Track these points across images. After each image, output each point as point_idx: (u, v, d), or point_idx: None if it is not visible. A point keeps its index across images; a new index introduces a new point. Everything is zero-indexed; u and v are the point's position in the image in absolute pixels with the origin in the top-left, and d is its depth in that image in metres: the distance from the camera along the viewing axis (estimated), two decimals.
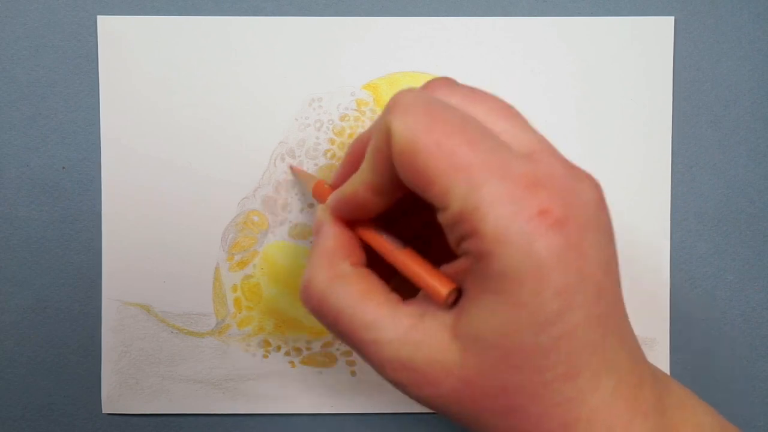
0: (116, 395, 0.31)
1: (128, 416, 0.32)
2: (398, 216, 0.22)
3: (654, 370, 0.21)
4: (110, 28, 0.31)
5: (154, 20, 0.31)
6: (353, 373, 0.32)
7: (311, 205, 0.31)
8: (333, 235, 0.22)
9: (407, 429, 0.32)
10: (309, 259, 0.23)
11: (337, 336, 0.21)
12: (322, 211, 0.23)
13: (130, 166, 0.31)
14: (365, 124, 0.31)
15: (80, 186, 0.31)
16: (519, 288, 0.17)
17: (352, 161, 0.24)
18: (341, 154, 0.31)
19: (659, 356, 0.32)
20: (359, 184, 0.21)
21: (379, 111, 0.31)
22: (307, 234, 0.31)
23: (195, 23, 0.31)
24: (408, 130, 0.19)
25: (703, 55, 0.32)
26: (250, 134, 0.31)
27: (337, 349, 0.32)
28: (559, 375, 0.18)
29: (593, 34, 0.31)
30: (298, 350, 0.32)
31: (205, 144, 0.31)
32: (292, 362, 0.32)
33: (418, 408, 0.31)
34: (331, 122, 0.31)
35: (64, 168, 0.31)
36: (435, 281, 0.20)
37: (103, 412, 0.32)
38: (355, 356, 0.32)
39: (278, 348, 0.32)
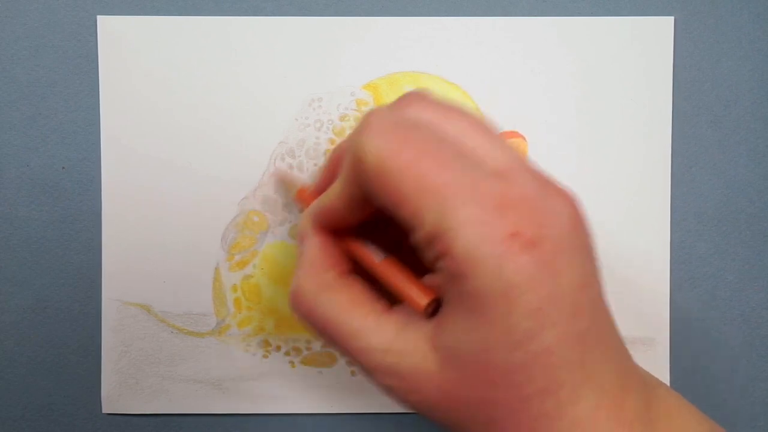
0: (116, 395, 0.31)
1: (128, 416, 0.32)
2: (383, 220, 0.22)
3: (643, 377, 0.21)
4: (110, 28, 0.31)
5: (154, 20, 0.31)
6: (353, 373, 0.32)
7: None
8: (316, 246, 0.23)
9: (407, 429, 0.32)
10: (296, 268, 0.23)
11: (326, 343, 0.22)
12: (304, 220, 0.24)
13: (130, 166, 0.31)
14: None
15: (80, 186, 0.31)
16: (491, 308, 0.18)
17: (332, 169, 0.24)
18: None
19: (659, 356, 0.32)
20: (335, 197, 0.21)
21: None
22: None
23: (195, 23, 0.31)
24: (378, 152, 0.19)
25: (703, 55, 0.32)
26: (250, 134, 0.31)
27: None
28: (537, 391, 0.18)
29: (593, 34, 0.31)
30: (298, 350, 0.32)
31: (205, 144, 0.31)
32: (292, 362, 0.32)
33: None
34: (331, 122, 0.31)
35: (64, 168, 0.31)
36: (414, 292, 0.20)
37: (103, 412, 0.32)
38: None
39: (278, 348, 0.32)
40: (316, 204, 0.23)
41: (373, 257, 0.22)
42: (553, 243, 0.18)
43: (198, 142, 0.31)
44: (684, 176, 0.32)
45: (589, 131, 0.32)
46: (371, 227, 0.23)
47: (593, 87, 0.32)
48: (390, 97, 0.31)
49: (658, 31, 0.32)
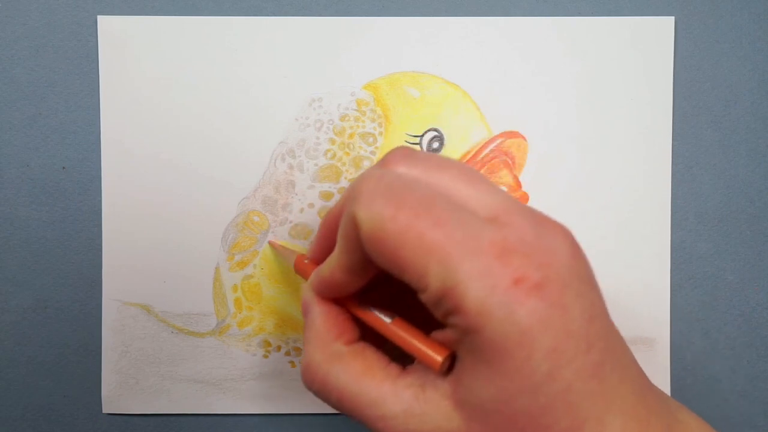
0: (116, 395, 0.31)
1: (128, 416, 0.32)
2: (383, 280, 0.22)
3: (661, 397, 0.21)
4: (110, 28, 0.31)
5: (154, 20, 0.31)
6: None
7: (311, 205, 0.31)
8: (322, 316, 0.23)
9: None
10: (304, 342, 0.23)
11: (345, 413, 0.22)
12: (306, 291, 0.24)
13: (130, 166, 0.31)
14: (365, 124, 0.31)
15: (80, 186, 0.31)
16: (509, 356, 0.18)
17: (326, 236, 0.24)
18: (341, 154, 0.31)
19: (659, 356, 0.32)
20: (334, 266, 0.21)
21: (379, 111, 0.31)
22: (307, 234, 0.31)
23: (195, 23, 0.31)
24: (374, 218, 0.19)
25: (703, 55, 0.32)
26: (250, 134, 0.31)
27: None
28: (564, 428, 0.18)
29: (593, 34, 0.31)
30: (299, 350, 0.32)
31: (205, 144, 0.31)
32: (292, 362, 0.32)
33: None
34: (331, 122, 0.31)
35: (64, 168, 0.31)
36: (428, 350, 0.20)
37: (103, 412, 0.32)
38: None
39: (278, 348, 0.32)
40: (315, 275, 0.23)
41: (382, 320, 0.22)
42: (558, 281, 0.18)
43: (198, 142, 0.31)
44: (684, 176, 0.32)
45: (590, 131, 0.32)
46: (374, 283, 0.22)
47: (593, 87, 0.32)
48: (390, 97, 0.31)
49: (658, 31, 0.32)
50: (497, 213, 0.19)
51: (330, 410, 0.32)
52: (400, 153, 0.21)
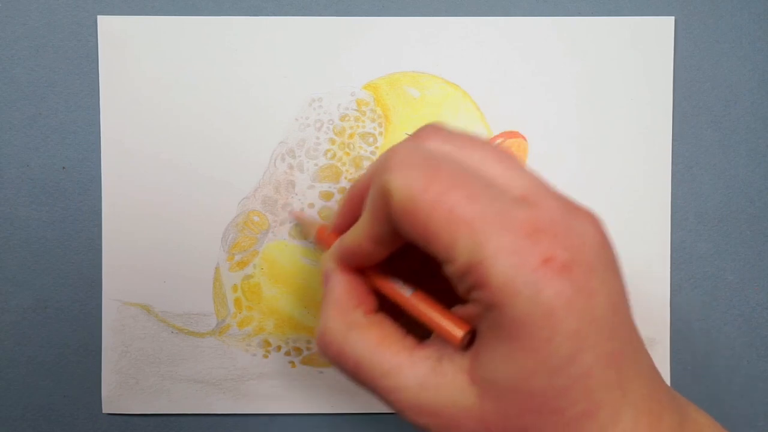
0: (116, 395, 0.31)
1: (128, 416, 0.32)
2: (405, 251, 0.22)
3: (673, 396, 0.21)
4: (110, 28, 0.31)
5: (154, 20, 0.31)
6: None
7: (311, 205, 0.31)
8: (342, 285, 0.23)
9: (407, 429, 0.32)
10: (322, 309, 0.23)
11: (357, 383, 0.22)
12: (328, 260, 0.24)
13: (130, 166, 0.31)
14: (365, 124, 0.31)
15: (80, 186, 0.31)
16: (531, 335, 0.18)
17: (351, 206, 0.24)
18: (341, 154, 0.31)
19: (659, 356, 0.32)
20: (361, 235, 0.21)
21: (379, 111, 0.31)
22: (307, 234, 0.31)
23: (195, 23, 0.31)
24: (406, 188, 0.19)
25: (703, 55, 0.32)
26: (250, 134, 0.31)
27: None
28: (578, 413, 0.18)
29: (593, 34, 0.31)
30: (299, 350, 0.32)
31: (205, 144, 0.31)
32: (292, 362, 0.32)
33: None
34: (331, 122, 0.31)
35: (64, 168, 0.31)
36: (449, 325, 0.20)
37: (103, 412, 0.32)
38: None
39: (278, 348, 0.32)
40: (339, 243, 0.23)
41: (402, 292, 0.22)
42: (585, 265, 0.18)
43: (198, 142, 0.31)
44: (684, 176, 0.32)
45: (590, 131, 0.32)
46: (395, 256, 0.22)
47: (593, 87, 0.32)
48: (390, 97, 0.31)
49: (658, 31, 0.32)
50: (527, 193, 0.19)
51: (330, 410, 0.32)
52: (433, 128, 0.21)
